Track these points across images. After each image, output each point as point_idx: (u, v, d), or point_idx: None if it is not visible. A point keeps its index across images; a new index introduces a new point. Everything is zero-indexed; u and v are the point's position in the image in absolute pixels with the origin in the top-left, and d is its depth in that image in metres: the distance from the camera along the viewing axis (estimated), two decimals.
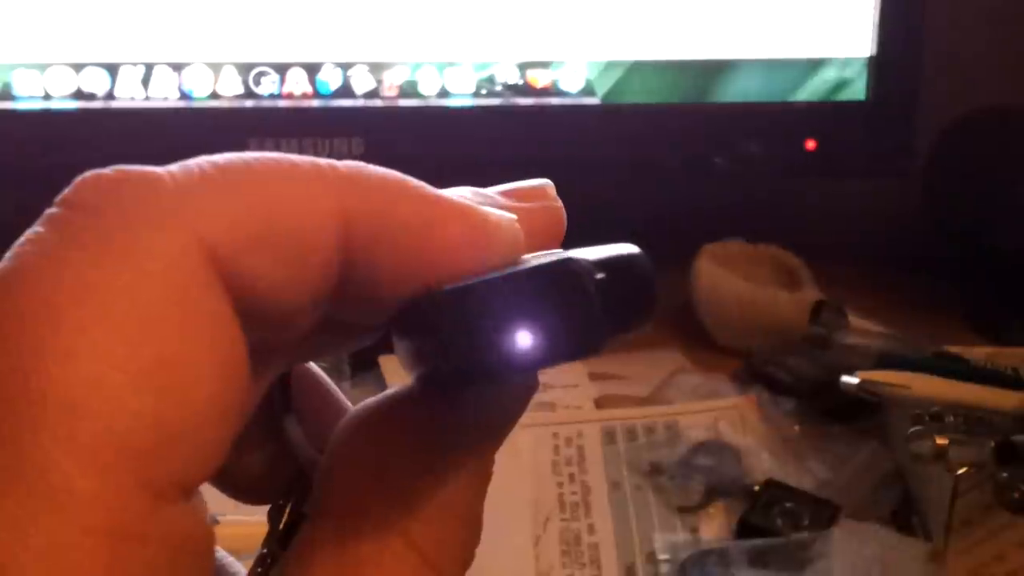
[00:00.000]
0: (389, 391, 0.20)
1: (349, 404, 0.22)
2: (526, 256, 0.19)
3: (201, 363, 0.15)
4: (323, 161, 0.17)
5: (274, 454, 0.21)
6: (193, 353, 0.15)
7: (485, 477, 0.19)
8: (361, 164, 0.18)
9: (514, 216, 0.19)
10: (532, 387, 0.20)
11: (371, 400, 0.20)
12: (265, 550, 0.19)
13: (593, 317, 0.17)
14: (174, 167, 0.16)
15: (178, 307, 0.15)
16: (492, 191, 0.20)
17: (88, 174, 0.16)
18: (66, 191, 0.16)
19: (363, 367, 0.62)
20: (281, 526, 0.20)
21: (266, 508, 0.21)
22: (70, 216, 0.16)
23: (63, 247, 0.15)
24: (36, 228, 0.16)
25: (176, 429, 0.15)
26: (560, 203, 0.21)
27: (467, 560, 0.19)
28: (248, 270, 0.16)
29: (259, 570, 0.19)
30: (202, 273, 0.16)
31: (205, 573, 0.16)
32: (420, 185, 0.18)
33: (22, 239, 0.16)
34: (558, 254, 0.18)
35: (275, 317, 0.17)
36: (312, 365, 0.22)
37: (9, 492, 0.14)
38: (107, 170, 0.16)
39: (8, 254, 0.15)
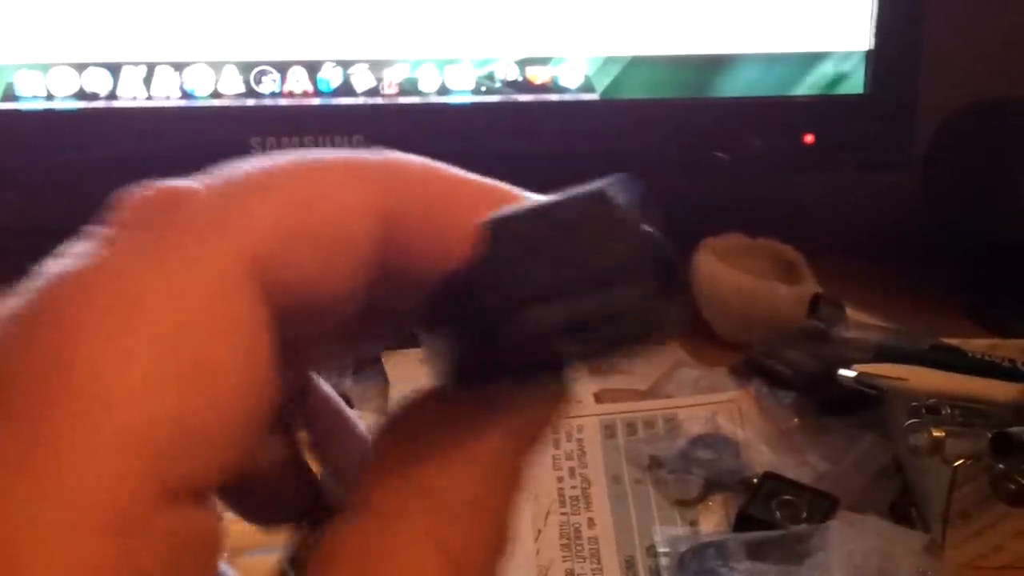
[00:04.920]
0: (423, 390, 0.20)
1: (362, 427, 0.22)
2: None
3: (229, 370, 0.16)
4: (354, 155, 0.18)
5: (283, 478, 0.21)
6: (223, 360, 0.16)
7: (514, 483, 0.19)
8: (390, 154, 0.18)
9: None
10: (564, 392, 0.20)
11: (407, 398, 0.20)
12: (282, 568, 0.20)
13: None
14: (212, 179, 0.17)
15: (214, 316, 0.16)
16: None
17: (133, 192, 0.17)
18: (115, 209, 0.17)
19: (365, 363, 0.62)
20: (294, 550, 0.20)
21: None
22: (120, 232, 0.17)
23: (114, 259, 0.16)
24: (91, 240, 0.17)
25: (197, 432, 0.15)
26: None
27: (492, 566, 0.19)
28: (287, 265, 0.17)
29: None
30: (240, 281, 0.16)
31: (211, 573, 0.17)
32: (449, 169, 0.19)
33: (75, 249, 0.16)
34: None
35: (315, 307, 0.18)
36: (330, 392, 0.22)
37: (20, 481, 0.14)
38: (149, 189, 0.17)
39: (64, 259, 0.16)
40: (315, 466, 0.21)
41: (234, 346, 0.16)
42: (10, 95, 0.67)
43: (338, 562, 0.18)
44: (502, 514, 0.19)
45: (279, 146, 0.69)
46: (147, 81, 0.67)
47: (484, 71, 0.69)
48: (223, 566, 0.19)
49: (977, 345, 0.60)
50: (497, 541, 0.19)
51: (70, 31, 0.66)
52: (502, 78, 0.69)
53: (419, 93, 0.69)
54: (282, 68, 0.68)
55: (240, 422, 0.16)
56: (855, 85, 0.72)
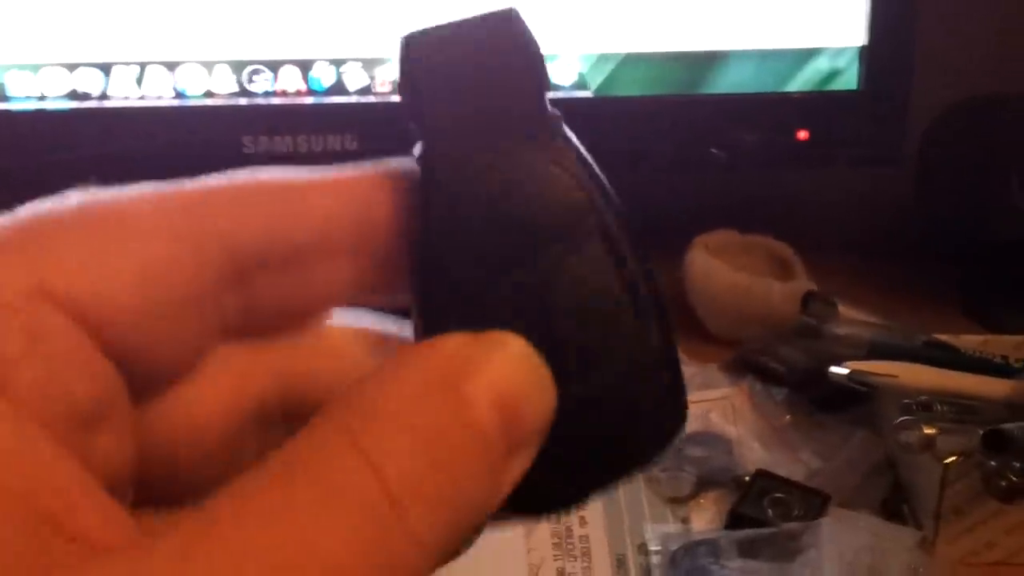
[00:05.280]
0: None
1: None
2: None
3: (139, 252, 0.19)
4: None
5: None
6: (141, 248, 0.19)
7: (463, 427, 0.18)
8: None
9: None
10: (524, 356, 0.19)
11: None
12: None
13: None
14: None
15: (163, 236, 0.19)
16: None
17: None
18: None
19: None
20: None
21: None
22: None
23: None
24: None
25: (93, 271, 0.18)
26: None
27: (444, 517, 0.17)
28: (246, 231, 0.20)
29: None
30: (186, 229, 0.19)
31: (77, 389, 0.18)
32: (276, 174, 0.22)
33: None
34: None
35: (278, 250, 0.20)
36: None
37: None
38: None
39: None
40: None
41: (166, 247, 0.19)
42: (1, 95, 0.67)
43: (263, 470, 0.17)
44: (446, 454, 0.17)
45: (272, 145, 0.68)
46: (139, 81, 0.67)
47: None
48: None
49: (969, 341, 0.60)
50: (441, 484, 0.17)
51: (61, 31, 0.66)
52: None
53: None
54: (274, 67, 0.68)
55: (136, 286, 0.18)
56: (848, 81, 0.71)
